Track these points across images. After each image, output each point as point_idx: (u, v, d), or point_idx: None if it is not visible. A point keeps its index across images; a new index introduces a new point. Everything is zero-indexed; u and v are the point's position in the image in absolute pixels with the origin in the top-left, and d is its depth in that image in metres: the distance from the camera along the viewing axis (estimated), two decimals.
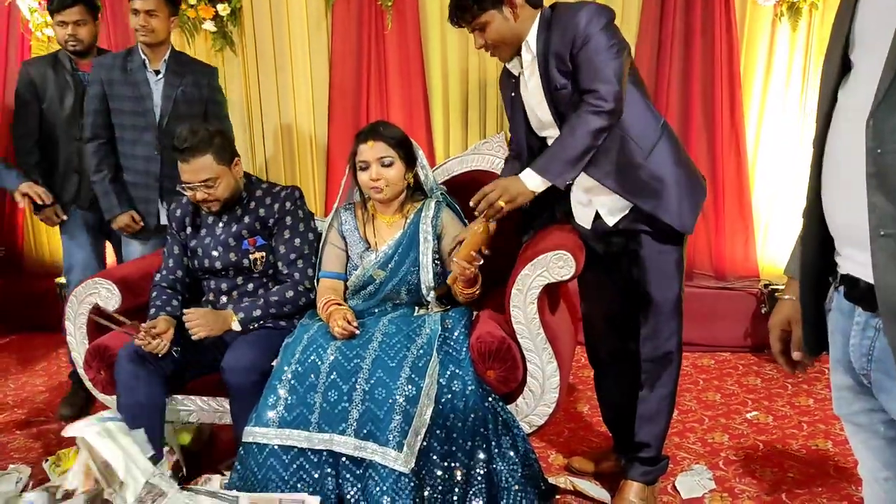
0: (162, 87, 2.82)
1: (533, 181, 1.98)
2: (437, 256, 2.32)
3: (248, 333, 2.25)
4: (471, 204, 2.02)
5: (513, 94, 2.16)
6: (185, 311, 2.22)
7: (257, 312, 2.26)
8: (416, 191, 2.40)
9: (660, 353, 2.12)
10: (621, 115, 1.92)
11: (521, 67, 2.08)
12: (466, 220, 2.34)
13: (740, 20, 3.32)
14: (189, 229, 2.41)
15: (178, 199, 2.47)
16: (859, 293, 1.06)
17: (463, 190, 2.53)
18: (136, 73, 2.80)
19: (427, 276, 2.29)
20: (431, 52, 3.56)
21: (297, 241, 2.35)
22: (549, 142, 2.12)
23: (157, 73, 2.82)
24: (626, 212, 2.05)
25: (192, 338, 2.18)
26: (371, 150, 2.25)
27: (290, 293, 2.31)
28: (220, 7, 3.58)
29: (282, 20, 3.64)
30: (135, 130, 2.81)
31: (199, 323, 2.18)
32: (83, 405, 2.95)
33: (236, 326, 2.24)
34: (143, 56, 2.81)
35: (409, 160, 2.31)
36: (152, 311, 2.30)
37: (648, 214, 2.00)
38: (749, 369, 3.23)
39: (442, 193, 2.41)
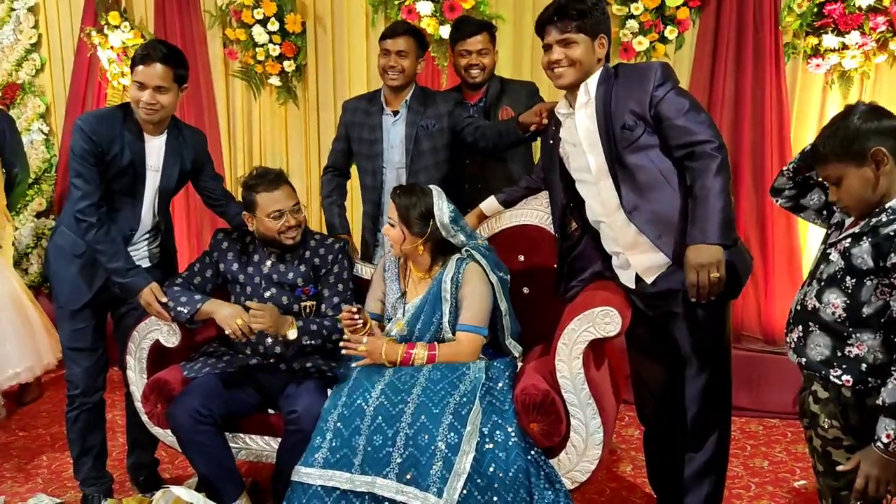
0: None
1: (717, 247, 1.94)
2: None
3: (306, 380, 2.33)
4: (692, 299, 1.97)
5: (552, 141, 2.25)
6: (249, 304, 2.32)
7: (314, 327, 2.37)
8: (448, 250, 2.37)
9: (706, 415, 2.10)
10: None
11: (572, 107, 2.14)
12: (497, 274, 2.32)
13: (791, 86, 3.34)
14: (235, 265, 2.50)
15: (224, 231, 2.59)
16: None
17: (510, 242, 2.60)
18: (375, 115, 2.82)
19: (450, 337, 2.30)
20: None
21: (341, 286, 2.51)
22: (581, 186, 2.17)
23: (396, 113, 2.81)
24: (664, 269, 2.06)
25: (254, 327, 2.27)
26: (390, 210, 2.36)
27: (336, 325, 2.42)
28: (286, 64, 3.78)
29: (343, 77, 3.81)
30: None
31: (263, 316, 2.27)
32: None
33: (293, 335, 2.32)
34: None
35: (421, 228, 2.29)
36: (184, 299, 2.36)
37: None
38: (798, 437, 3.15)
39: (468, 249, 2.34)
